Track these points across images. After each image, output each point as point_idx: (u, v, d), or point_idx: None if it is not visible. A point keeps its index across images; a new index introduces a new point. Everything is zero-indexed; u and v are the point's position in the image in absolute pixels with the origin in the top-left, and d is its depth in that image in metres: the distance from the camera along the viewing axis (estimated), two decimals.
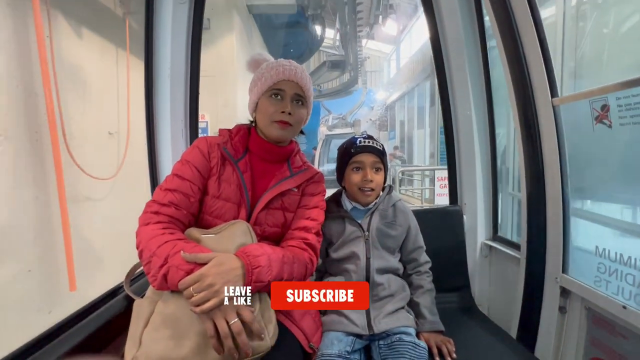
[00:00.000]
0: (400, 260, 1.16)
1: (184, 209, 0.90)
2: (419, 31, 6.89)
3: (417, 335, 1.07)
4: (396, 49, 9.79)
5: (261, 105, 0.98)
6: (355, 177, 1.08)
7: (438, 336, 1.06)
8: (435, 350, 1.01)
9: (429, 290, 1.15)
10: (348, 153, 1.09)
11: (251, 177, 0.98)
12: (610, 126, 0.90)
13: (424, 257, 1.18)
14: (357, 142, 1.09)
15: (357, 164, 1.08)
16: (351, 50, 6.64)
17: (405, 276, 1.17)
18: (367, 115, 10.03)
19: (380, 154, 1.10)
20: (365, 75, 7.81)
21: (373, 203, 1.12)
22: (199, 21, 1.46)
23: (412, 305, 1.13)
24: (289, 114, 0.96)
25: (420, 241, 1.18)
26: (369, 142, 1.09)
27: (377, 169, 1.09)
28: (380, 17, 6.36)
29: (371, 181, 1.07)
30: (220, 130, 1.05)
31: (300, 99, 0.99)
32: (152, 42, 1.41)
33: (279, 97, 0.97)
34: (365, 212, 1.12)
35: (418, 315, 1.11)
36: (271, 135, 0.98)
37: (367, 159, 1.08)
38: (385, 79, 10.85)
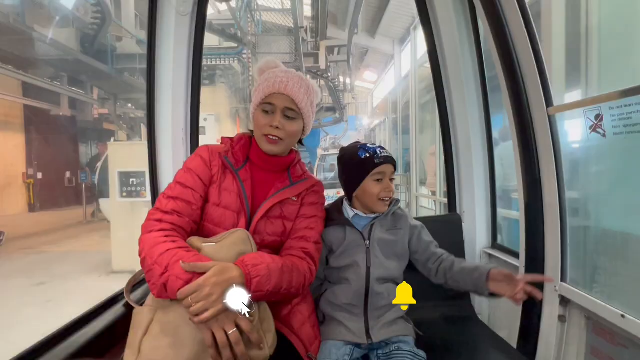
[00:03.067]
0: (417, 265, 1.13)
1: (187, 216, 0.91)
2: (390, 79, 9.85)
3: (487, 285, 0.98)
4: (375, 89, 13.50)
5: (254, 117, 0.98)
6: (376, 188, 1.06)
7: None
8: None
9: (463, 261, 1.09)
10: (371, 164, 1.06)
11: (251, 186, 0.99)
12: (604, 135, 0.91)
13: (441, 250, 1.14)
14: (378, 152, 1.07)
15: (380, 175, 1.07)
16: (336, 100, 10.63)
17: (432, 274, 1.11)
18: (357, 137, 12.86)
19: (396, 164, 1.10)
20: (346, 113, 11.99)
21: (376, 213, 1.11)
22: (201, 32, 1.49)
23: (458, 272, 1.05)
24: (277, 128, 0.94)
25: (428, 237, 1.15)
26: (386, 152, 1.08)
27: (392, 179, 1.10)
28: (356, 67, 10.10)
29: (391, 191, 1.07)
30: (222, 139, 1.06)
31: (291, 112, 0.96)
32: (154, 51, 1.43)
33: (268, 111, 0.96)
34: (367, 220, 1.11)
35: (471, 269, 1.03)
36: (262, 148, 0.99)
37: (388, 169, 1.07)
38: (369, 109, 14.45)
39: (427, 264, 1.12)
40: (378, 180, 1.07)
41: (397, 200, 1.15)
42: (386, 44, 8.35)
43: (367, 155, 1.07)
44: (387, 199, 1.07)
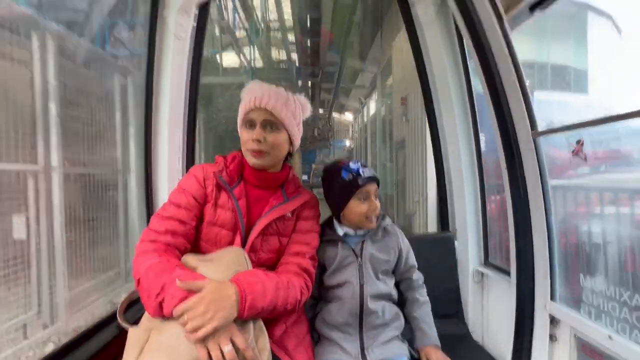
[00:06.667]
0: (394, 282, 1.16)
1: (181, 236, 0.92)
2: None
3: (417, 351, 1.09)
4: (353, 122, 20.23)
5: (240, 134, 1.02)
6: (362, 207, 1.07)
7: (439, 353, 1.07)
8: None
9: (425, 303, 1.16)
10: (355, 184, 1.07)
11: (246, 204, 1.00)
12: (585, 159, 0.95)
13: (417, 274, 1.19)
14: (361, 173, 1.08)
15: (365, 194, 1.08)
16: (325, 136, 17.44)
17: (399, 294, 1.17)
18: (341, 154, 20.38)
19: (379, 182, 1.12)
20: (331, 142, 19.28)
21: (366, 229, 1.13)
22: (198, 56, 1.54)
23: (410, 320, 1.13)
24: (259, 141, 0.96)
25: (413, 260, 1.18)
26: (369, 171, 1.10)
27: (377, 196, 1.11)
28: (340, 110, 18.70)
29: (377, 208, 1.08)
30: (217, 158, 1.06)
31: (270, 124, 0.98)
32: (152, 73, 1.46)
33: (250, 126, 0.99)
34: (358, 237, 1.12)
35: (417, 329, 1.12)
36: (249, 162, 1.00)
37: (372, 188, 1.08)
38: (350, 134, 21.63)
39: (399, 285, 1.18)
40: (363, 199, 1.08)
41: (384, 215, 1.16)
42: (355, 101, 14.98)
43: (351, 176, 1.08)
44: (373, 217, 1.09)
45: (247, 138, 0.98)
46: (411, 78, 5.55)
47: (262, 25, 9.33)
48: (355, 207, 1.08)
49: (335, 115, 18.83)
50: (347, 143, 21.29)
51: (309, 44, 8.63)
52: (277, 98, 0.97)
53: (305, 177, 15.94)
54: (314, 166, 17.23)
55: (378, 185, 1.11)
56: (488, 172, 1.53)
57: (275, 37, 10.19)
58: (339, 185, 1.10)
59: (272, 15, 9.27)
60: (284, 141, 1.01)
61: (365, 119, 12.83)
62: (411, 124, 6.05)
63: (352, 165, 1.10)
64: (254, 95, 0.97)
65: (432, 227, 5.13)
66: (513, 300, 1.24)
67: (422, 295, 1.17)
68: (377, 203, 1.09)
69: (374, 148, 9.84)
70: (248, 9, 8.56)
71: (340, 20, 7.46)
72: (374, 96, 10.49)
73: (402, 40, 6.23)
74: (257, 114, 0.97)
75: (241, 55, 8.78)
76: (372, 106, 11.24)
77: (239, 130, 1.03)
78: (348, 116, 20.67)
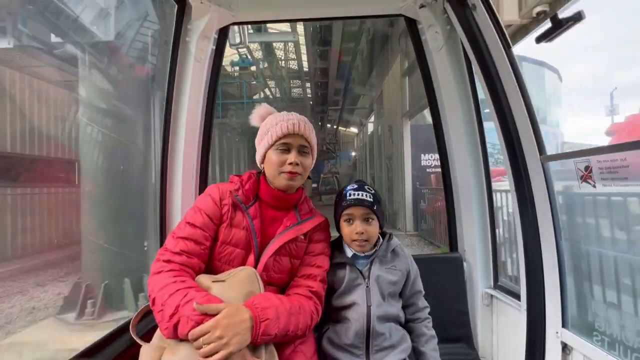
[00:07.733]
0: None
1: (196, 256, 0.94)
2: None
3: None
4: (357, 135, 22.81)
5: (269, 157, 1.04)
6: (347, 230, 1.10)
7: None
8: None
9: (432, 337, 1.15)
10: (340, 205, 1.10)
11: (260, 224, 1.02)
12: (594, 186, 0.96)
13: (423, 302, 1.18)
14: (348, 194, 1.09)
15: (348, 216, 1.09)
16: (331, 150, 20.63)
17: (405, 321, 1.17)
18: (346, 164, 22.88)
19: (371, 204, 1.07)
20: (337, 155, 22.40)
21: (373, 250, 1.13)
22: (215, 78, 1.61)
23: (417, 354, 1.13)
24: (297, 164, 1.02)
25: (419, 285, 1.18)
26: (359, 194, 1.08)
27: (369, 219, 1.09)
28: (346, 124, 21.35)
29: (362, 233, 1.07)
30: (232, 177, 1.10)
31: (305, 149, 1.06)
32: (172, 92, 1.53)
33: (285, 149, 1.03)
34: (365, 259, 1.12)
35: None
36: (280, 185, 1.03)
37: (357, 211, 1.08)
38: (355, 145, 23.62)
39: (405, 309, 1.17)
40: (348, 220, 1.10)
41: (391, 235, 1.17)
42: (358, 117, 17.46)
43: (341, 196, 1.12)
44: (358, 240, 1.08)
45: (280, 161, 1.02)
46: (394, 112, 8.57)
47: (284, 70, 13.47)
48: (344, 228, 1.12)
49: (341, 128, 21.93)
50: (353, 153, 23.37)
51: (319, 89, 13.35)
52: (308, 125, 1.07)
53: (314, 185, 18.39)
54: (322, 175, 20.13)
55: (372, 209, 1.08)
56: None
57: (294, 81, 14.70)
58: (335, 203, 1.16)
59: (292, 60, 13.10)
60: (311, 164, 1.09)
61: (366, 136, 15.70)
62: (395, 146, 8.49)
63: (349, 186, 1.13)
64: (289, 121, 1.03)
65: (409, 218, 7.83)
66: (524, 325, 1.22)
67: (429, 329, 1.16)
68: (362, 227, 1.07)
69: (373, 161, 12.83)
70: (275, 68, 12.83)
71: (346, 57, 10.42)
72: (372, 118, 13.65)
73: (389, 81, 9.49)
74: (293, 139, 1.03)
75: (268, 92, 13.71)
76: (371, 126, 14.31)
77: (264, 152, 1.06)
78: (353, 130, 23.50)
